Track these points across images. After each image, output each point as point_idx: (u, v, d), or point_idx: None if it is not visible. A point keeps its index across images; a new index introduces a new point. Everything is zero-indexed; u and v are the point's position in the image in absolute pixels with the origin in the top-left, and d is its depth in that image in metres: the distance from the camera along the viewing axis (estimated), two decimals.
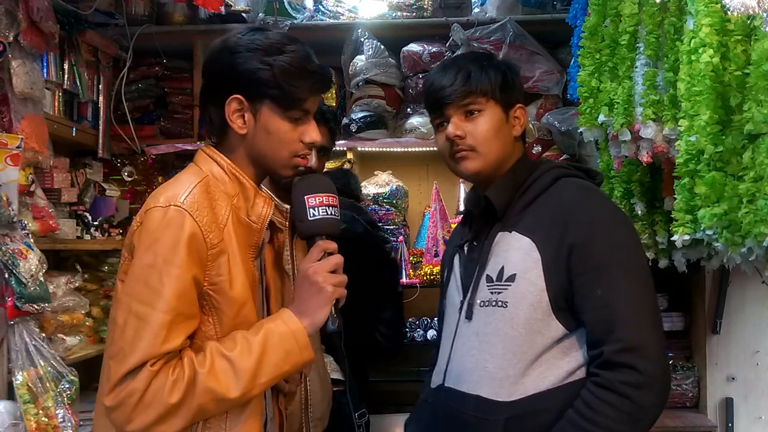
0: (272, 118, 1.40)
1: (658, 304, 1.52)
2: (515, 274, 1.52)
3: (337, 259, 1.42)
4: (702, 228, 1.55)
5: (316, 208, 1.43)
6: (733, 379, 2.61)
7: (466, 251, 1.70)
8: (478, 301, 1.58)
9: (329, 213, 1.44)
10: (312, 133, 1.45)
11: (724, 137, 1.51)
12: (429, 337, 3.42)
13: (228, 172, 1.41)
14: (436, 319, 3.44)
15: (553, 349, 1.49)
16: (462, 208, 3.42)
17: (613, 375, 1.40)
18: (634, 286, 1.46)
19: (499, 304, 1.53)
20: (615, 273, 1.46)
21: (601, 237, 1.49)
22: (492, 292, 1.55)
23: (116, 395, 1.26)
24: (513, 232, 1.56)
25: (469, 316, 1.59)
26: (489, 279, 1.57)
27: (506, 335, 1.51)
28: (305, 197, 1.44)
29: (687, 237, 1.65)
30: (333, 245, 1.43)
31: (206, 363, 1.29)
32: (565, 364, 1.49)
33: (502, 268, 1.55)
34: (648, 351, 1.41)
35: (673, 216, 1.70)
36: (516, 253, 1.54)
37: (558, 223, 1.51)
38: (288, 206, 2.03)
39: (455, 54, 3.21)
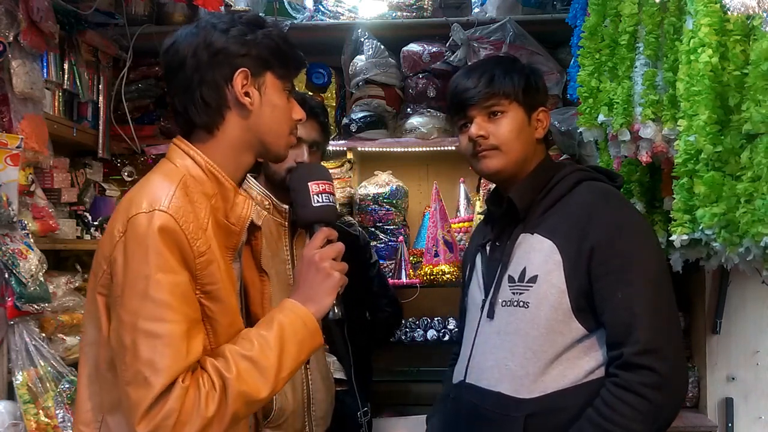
0: (276, 91, 1.38)
1: (676, 307, 1.56)
2: (537, 275, 1.56)
3: (340, 247, 1.41)
4: (701, 228, 1.56)
5: (319, 195, 1.43)
6: (733, 379, 2.61)
7: (488, 251, 1.74)
8: (500, 301, 1.62)
9: (330, 201, 1.45)
10: (298, 110, 1.44)
11: (722, 137, 1.51)
12: (429, 337, 3.42)
13: (206, 170, 1.33)
14: (436, 319, 3.44)
15: (573, 348, 1.53)
16: (462, 206, 3.43)
17: (632, 376, 1.45)
18: (654, 290, 1.50)
19: (521, 304, 1.57)
20: (635, 276, 1.50)
21: (622, 240, 1.53)
22: (514, 293, 1.59)
23: (150, 420, 1.17)
24: (535, 234, 1.60)
25: (491, 315, 1.64)
26: (511, 279, 1.61)
27: (527, 335, 1.55)
28: (308, 183, 1.44)
29: (685, 237, 1.65)
30: (335, 233, 1.43)
31: (232, 368, 1.23)
32: (584, 363, 1.53)
33: (524, 269, 1.59)
34: (666, 353, 1.45)
35: (671, 216, 1.71)
36: (538, 254, 1.58)
37: (579, 226, 1.55)
38: (287, 206, 2.03)
39: (456, 53, 3.22)
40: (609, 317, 1.50)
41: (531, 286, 1.56)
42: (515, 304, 1.58)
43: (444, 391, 1.87)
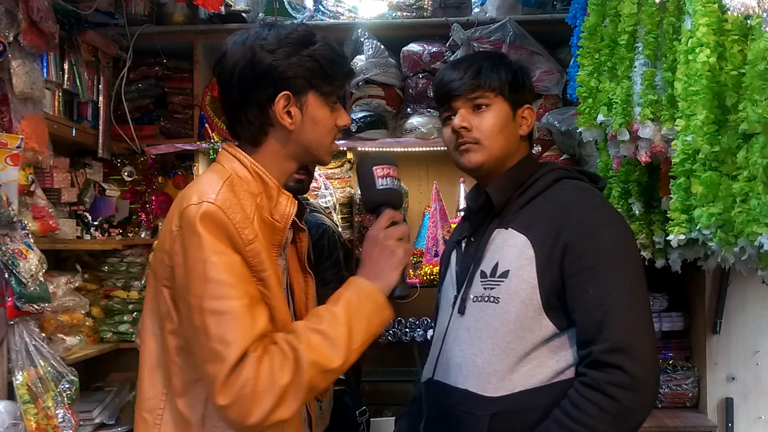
0: (318, 107, 1.42)
1: (650, 306, 1.53)
2: (508, 270, 1.53)
3: (405, 228, 1.45)
4: (698, 227, 1.55)
5: (384, 179, 1.48)
6: (733, 379, 2.61)
7: (463, 247, 1.71)
8: (471, 296, 1.59)
9: (394, 185, 1.49)
10: (344, 116, 1.48)
11: (720, 137, 1.51)
12: (429, 337, 3.42)
13: (251, 171, 1.41)
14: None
15: (542, 347, 1.50)
16: (462, 206, 3.42)
17: (600, 375, 1.40)
18: (627, 288, 1.46)
19: (491, 299, 1.54)
20: (608, 273, 1.46)
21: (596, 237, 1.49)
22: (485, 288, 1.56)
23: (228, 391, 1.23)
24: (509, 229, 1.58)
25: (461, 311, 1.60)
26: (483, 274, 1.58)
27: (496, 331, 1.52)
28: (374, 168, 1.49)
29: (682, 237, 1.65)
30: (399, 215, 1.47)
31: (302, 339, 1.28)
32: (553, 363, 1.49)
33: (497, 264, 1.56)
34: (637, 352, 1.40)
35: (668, 216, 1.71)
36: (511, 249, 1.55)
37: (553, 222, 1.52)
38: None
39: (456, 53, 3.22)
40: (580, 315, 1.46)
41: (502, 281, 1.53)
42: (486, 299, 1.55)
43: (414, 391, 1.83)
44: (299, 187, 2.10)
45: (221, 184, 1.34)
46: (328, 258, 2.70)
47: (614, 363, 1.39)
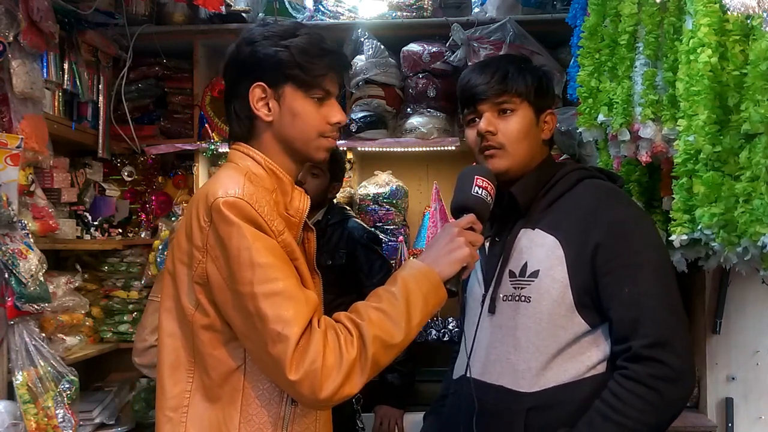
0: (296, 99, 1.42)
1: (682, 303, 1.56)
2: (539, 270, 1.57)
3: (480, 238, 1.48)
4: (700, 228, 1.56)
5: (480, 189, 1.52)
6: (733, 379, 2.61)
7: (487, 247, 1.74)
8: (501, 296, 1.63)
9: (487, 198, 1.53)
10: (337, 113, 1.47)
11: (721, 137, 1.51)
12: (429, 338, 3.41)
13: (265, 167, 1.42)
14: (437, 319, 3.43)
15: (575, 344, 1.54)
16: None
17: (642, 368, 1.45)
18: (661, 285, 1.51)
19: (522, 299, 1.58)
20: (641, 272, 1.51)
21: (627, 236, 1.54)
22: (515, 287, 1.60)
23: (298, 367, 1.24)
24: (537, 230, 1.61)
25: (492, 310, 1.64)
26: (512, 274, 1.62)
27: (529, 329, 1.56)
28: (475, 176, 1.53)
29: (685, 237, 1.65)
30: (480, 227, 1.49)
31: (363, 316, 1.31)
32: (586, 358, 1.54)
33: (526, 263, 1.60)
34: (676, 346, 1.46)
35: (671, 216, 1.71)
36: (540, 249, 1.59)
37: (582, 222, 1.56)
38: None
39: (456, 53, 3.21)
40: (616, 313, 1.51)
41: (532, 281, 1.57)
42: (516, 298, 1.59)
43: (443, 389, 1.88)
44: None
45: (242, 180, 1.35)
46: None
47: (656, 357, 1.45)
